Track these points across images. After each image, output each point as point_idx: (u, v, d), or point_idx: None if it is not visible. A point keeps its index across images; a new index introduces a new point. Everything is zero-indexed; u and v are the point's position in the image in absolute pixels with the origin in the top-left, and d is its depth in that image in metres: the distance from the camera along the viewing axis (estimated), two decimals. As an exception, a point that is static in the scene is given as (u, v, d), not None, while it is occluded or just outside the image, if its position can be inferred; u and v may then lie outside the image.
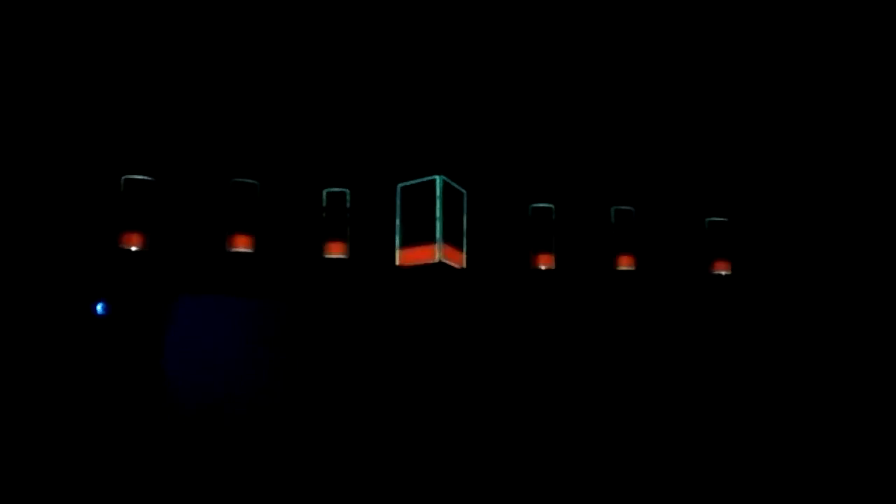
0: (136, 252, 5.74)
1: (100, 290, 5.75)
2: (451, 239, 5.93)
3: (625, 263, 6.38)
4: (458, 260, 5.92)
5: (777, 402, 6.28)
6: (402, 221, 6.07)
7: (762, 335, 6.41)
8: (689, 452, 6.14)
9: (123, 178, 5.85)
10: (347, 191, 6.13)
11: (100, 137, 6.01)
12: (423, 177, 6.05)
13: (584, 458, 6.08)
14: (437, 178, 5.95)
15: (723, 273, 6.43)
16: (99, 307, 5.73)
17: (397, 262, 6.00)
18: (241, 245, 5.91)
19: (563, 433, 6.13)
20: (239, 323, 6.00)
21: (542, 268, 6.21)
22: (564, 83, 6.70)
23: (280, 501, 5.74)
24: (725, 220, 6.52)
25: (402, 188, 6.13)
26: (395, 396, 6.04)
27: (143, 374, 5.75)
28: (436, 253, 5.77)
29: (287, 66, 6.39)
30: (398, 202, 6.11)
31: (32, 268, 5.65)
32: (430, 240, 5.82)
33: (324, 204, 6.09)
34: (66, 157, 5.91)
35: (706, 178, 6.72)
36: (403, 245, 6.02)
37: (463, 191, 6.15)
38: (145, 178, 5.86)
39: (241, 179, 6.03)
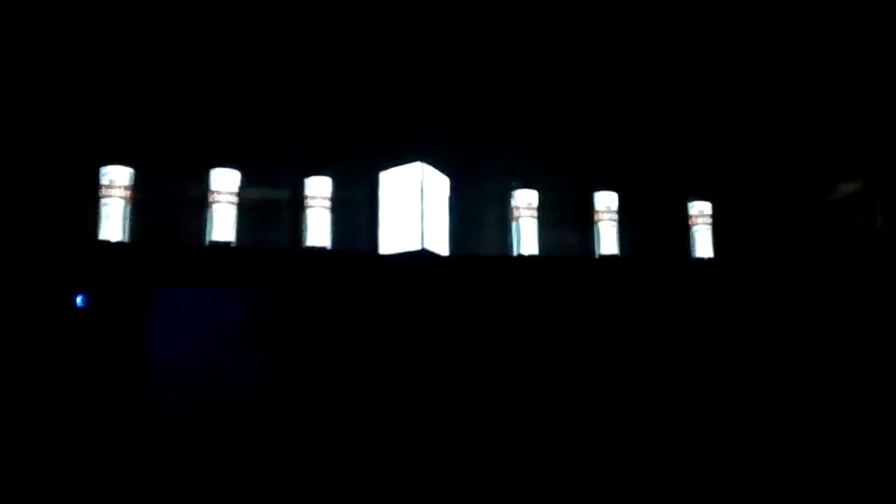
0: (116, 243, 5.67)
1: (79, 283, 5.68)
2: (435, 226, 5.92)
3: (607, 247, 6.40)
4: (441, 247, 5.91)
5: (768, 387, 6.34)
6: (384, 209, 6.04)
7: (748, 320, 6.46)
8: (682, 444, 6.20)
9: (102, 167, 5.76)
10: (330, 178, 6.08)
11: (77, 126, 5.93)
12: (405, 163, 6.01)
13: (572, 444, 6.11)
14: (420, 164, 5.92)
15: (705, 258, 6.46)
16: (78, 300, 5.66)
17: (380, 251, 5.97)
18: (223, 235, 5.85)
19: (550, 418, 6.16)
20: (222, 315, 5.96)
21: (525, 254, 6.23)
22: (545, 66, 6.69)
23: (272, 498, 5.73)
24: (708, 202, 6.54)
25: (385, 175, 6.10)
26: (383, 386, 6.03)
27: (125, 369, 5.70)
28: (420, 240, 5.76)
29: (266, 53, 6.33)
30: (379, 189, 6.08)
31: (9, 260, 5.57)
32: (415, 227, 5.79)
33: (305, 192, 6.04)
34: (43, 146, 5.83)
35: (687, 159, 6.75)
36: (386, 232, 6.00)
37: (447, 178, 6.13)
38: (124, 167, 5.77)
39: (222, 167, 5.95)
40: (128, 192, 5.71)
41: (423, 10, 6.47)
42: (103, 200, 5.67)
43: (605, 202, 6.37)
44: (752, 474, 6.04)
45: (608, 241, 6.33)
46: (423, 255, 5.77)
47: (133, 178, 5.75)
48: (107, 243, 5.63)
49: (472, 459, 5.92)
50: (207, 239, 5.79)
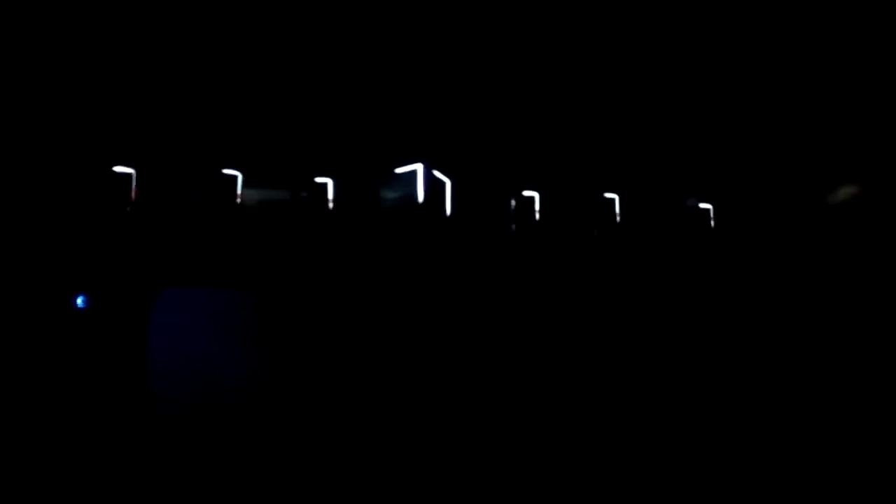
0: (117, 244, 5.66)
1: (81, 284, 5.67)
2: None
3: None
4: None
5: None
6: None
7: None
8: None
9: (105, 169, 5.77)
10: (330, 180, 6.09)
11: (81, 129, 5.94)
12: (403, 164, 6.03)
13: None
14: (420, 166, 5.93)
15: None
16: (79, 300, 5.64)
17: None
18: (223, 235, 5.85)
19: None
20: (222, 314, 5.92)
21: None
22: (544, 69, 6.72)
23: (269, 493, 5.67)
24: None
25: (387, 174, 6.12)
26: (380, 386, 5.99)
27: (126, 369, 5.66)
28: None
29: (267, 59, 6.36)
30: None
31: (12, 261, 5.57)
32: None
33: (304, 194, 6.05)
34: (49, 150, 5.84)
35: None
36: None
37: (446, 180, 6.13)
38: (127, 170, 5.79)
39: (223, 171, 5.97)
40: (129, 194, 5.74)
41: (423, 15, 6.51)
42: (104, 202, 5.70)
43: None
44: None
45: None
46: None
47: (134, 180, 5.78)
48: (108, 244, 5.65)
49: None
50: (208, 240, 5.81)
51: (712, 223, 6.53)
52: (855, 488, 5.89)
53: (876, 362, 6.25)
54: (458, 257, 6.13)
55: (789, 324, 6.40)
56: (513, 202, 6.41)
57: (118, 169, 5.75)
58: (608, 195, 6.52)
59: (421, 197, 5.84)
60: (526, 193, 6.43)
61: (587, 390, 6.19)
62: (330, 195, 6.08)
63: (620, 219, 6.43)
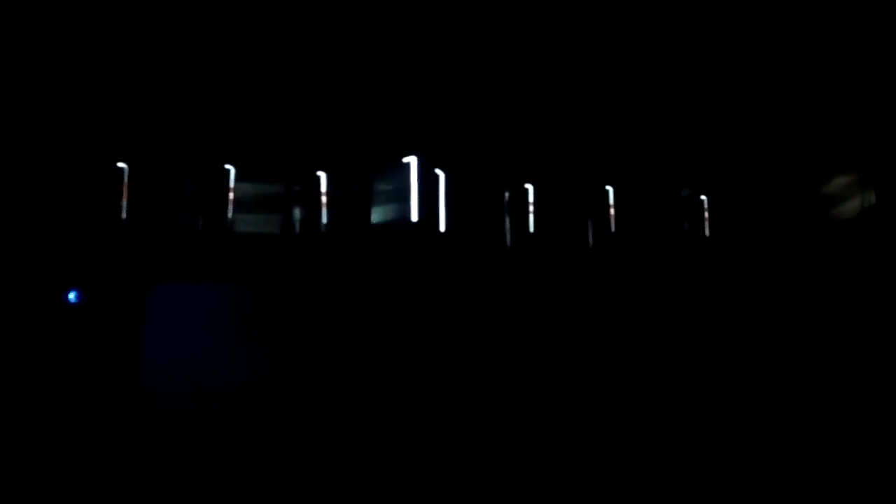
0: (110, 239, 5.64)
1: (73, 278, 5.65)
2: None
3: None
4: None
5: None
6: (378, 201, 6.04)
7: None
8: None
9: (97, 164, 5.75)
10: (324, 174, 6.07)
11: (74, 124, 5.92)
12: (397, 158, 6.01)
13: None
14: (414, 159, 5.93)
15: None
16: (71, 295, 5.61)
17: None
18: (215, 230, 5.83)
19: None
20: (216, 309, 5.90)
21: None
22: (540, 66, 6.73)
23: (262, 489, 5.65)
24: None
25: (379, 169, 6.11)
26: (376, 381, 5.97)
27: (118, 365, 5.64)
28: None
29: (258, 52, 6.35)
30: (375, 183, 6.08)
31: (3, 256, 5.54)
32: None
33: (296, 188, 6.04)
34: (40, 145, 5.82)
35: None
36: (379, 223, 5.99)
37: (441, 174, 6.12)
38: (119, 164, 5.77)
39: (216, 165, 5.95)
40: (121, 188, 5.73)
41: (419, 13, 6.51)
42: (97, 196, 5.68)
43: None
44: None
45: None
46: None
47: (126, 175, 5.76)
48: (101, 239, 5.63)
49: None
50: (201, 235, 5.79)
51: (706, 214, 6.51)
52: (851, 489, 5.89)
53: (877, 354, 6.26)
54: (453, 252, 6.13)
55: (786, 316, 6.42)
56: (507, 195, 6.39)
57: (113, 163, 5.73)
58: (602, 187, 6.49)
59: (415, 190, 5.81)
60: (520, 186, 6.40)
61: (585, 388, 6.19)
62: (323, 188, 6.05)
63: (615, 210, 6.41)
